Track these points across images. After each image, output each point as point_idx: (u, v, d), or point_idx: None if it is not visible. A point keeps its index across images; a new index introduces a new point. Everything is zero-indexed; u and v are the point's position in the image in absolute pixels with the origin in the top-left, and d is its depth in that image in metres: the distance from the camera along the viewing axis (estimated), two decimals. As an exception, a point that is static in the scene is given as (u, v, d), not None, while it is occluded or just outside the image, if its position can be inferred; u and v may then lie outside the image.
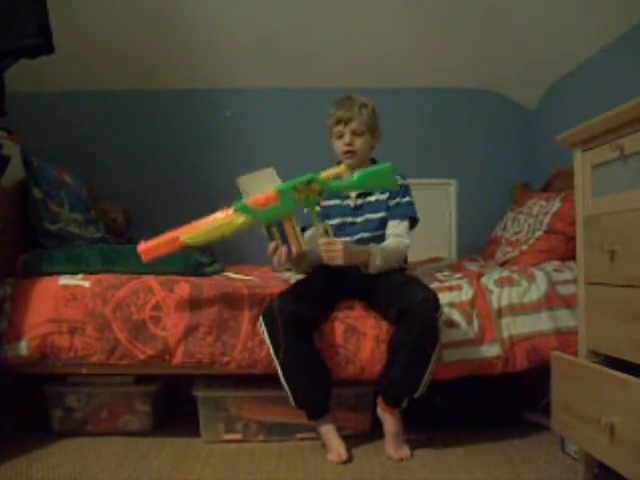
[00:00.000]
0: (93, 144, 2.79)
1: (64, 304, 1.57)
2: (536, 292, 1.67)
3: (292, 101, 2.89)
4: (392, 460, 1.47)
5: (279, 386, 1.49)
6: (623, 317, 1.15)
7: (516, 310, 1.64)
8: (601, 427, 1.09)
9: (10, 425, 1.66)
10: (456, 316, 1.62)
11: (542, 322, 1.63)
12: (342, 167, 1.53)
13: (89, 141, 2.79)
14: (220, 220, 1.43)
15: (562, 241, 1.95)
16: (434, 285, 1.67)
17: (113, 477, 1.37)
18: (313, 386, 1.50)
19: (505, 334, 1.62)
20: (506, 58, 2.59)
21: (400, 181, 1.71)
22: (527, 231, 2.12)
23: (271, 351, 1.48)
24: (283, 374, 1.48)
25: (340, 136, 1.68)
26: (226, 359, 1.56)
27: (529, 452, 1.53)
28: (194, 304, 1.58)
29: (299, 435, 1.63)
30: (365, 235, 1.67)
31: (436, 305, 1.45)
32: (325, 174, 1.45)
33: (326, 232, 1.50)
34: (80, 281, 1.61)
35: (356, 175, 1.47)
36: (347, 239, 1.63)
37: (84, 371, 1.60)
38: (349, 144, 1.65)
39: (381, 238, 1.66)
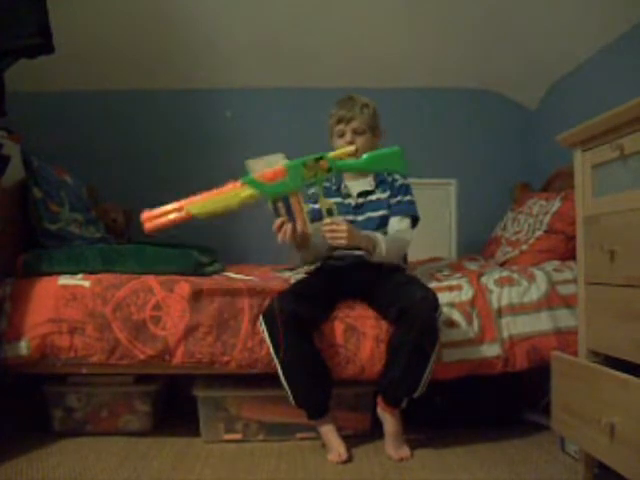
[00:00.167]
0: (93, 144, 2.79)
1: (64, 304, 1.57)
2: (536, 292, 1.67)
3: (292, 101, 2.89)
4: (392, 460, 1.47)
5: (279, 386, 1.49)
6: (623, 317, 1.15)
7: (516, 310, 1.64)
8: (601, 427, 1.09)
9: (10, 425, 1.66)
10: (456, 316, 1.62)
11: (542, 322, 1.63)
12: (352, 148, 1.50)
13: (89, 141, 2.79)
14: (227, 193, 1.42)
15: (562, 241, 1.95)
16: (434, 285, 1.67)
17: (113, 477, 1.37)
18: (313, 386, 1.50)
19: (505, 334, 1.62)
20: (506, 58, 2.59)
21: (401, 181, 1.71)
22: (527, 231, 2.12)
23: (271, 350, 1.48)
24: (283, 374, 1.48)
25: (341, 135, 1.69)
26: (226, 359, 1.56)
27: (529, 452, 1.53)
28: (194, 304, 1.58)
29: (299, 435, 1.63)
30: (366, 233, 1.67)
31: (435, 305, 1.45)
32: (334, 153, 1.46)
33: (330, 212, 1.49)
34: (80, 281, 1.61)
35: (365, 156, 1.46)
36: None
37: (84, 371, 1.60)
38: (350, 143, 1.65)
39: (382, 237, 1.67)
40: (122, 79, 2.74)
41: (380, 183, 1.73)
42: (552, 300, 1.66)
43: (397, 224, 1.66)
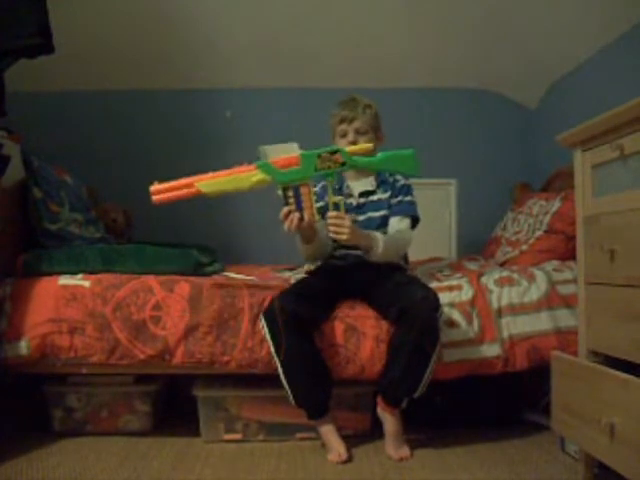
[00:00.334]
0: (93, 144, 2.79)
1: (64, 304, 1.57)
2: (536, 292, 1.67)
3: (292, 101, 2.89)
4: (392, 460, 1.47)
5: (279, 386, 1.49)
6: (623, 317, 1.15)
7: (516, 310, 1.64)
8: (601, 427, 1.09)
9: (10, 425, 1.66)
10: (456, 316, 1.62)
11: (542, 322, 1.63)
12: (370, 145, 1.51)
13: (89, 141, 2.79)
14: (239, 174, 1.42)
15: (562, 241, 1.95)
16: (434, 285, 1.67)
17: (113, 477, 1.37)
18: (313, 385, 1.50)
19: (505, 334, 1.62)
20: (506, 58, 2.59)
21: (402, 181, 1.72)
22: (527, 231, 2.12)
23: (272, 350, 1.48)
24: (283, 373, 1.48)
25: (344, 135, 1.69)
26: (226, 359, 1.56)
27: (529, 452, 1.53)
28: (194, 304, 1.58)
29: (299, 435, 1.63)
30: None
31: (436, 305, 1.45)
32: (351, 148, 1.48)
33: (337, 207, 1.49)
34: (80, 281, 1.61)
35: (380, 155, 1.48)
36: None
37: (84, 371, 1.60)
38: (353, 143, 1.65)
39: (383, 236, 1.67)
40: (122, 79, 2.74)
41: (381, 183, 1.73)
42: (552, 300, 1.66)
43: (397, 224, 1.66)
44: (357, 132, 1.67)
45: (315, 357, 1.51)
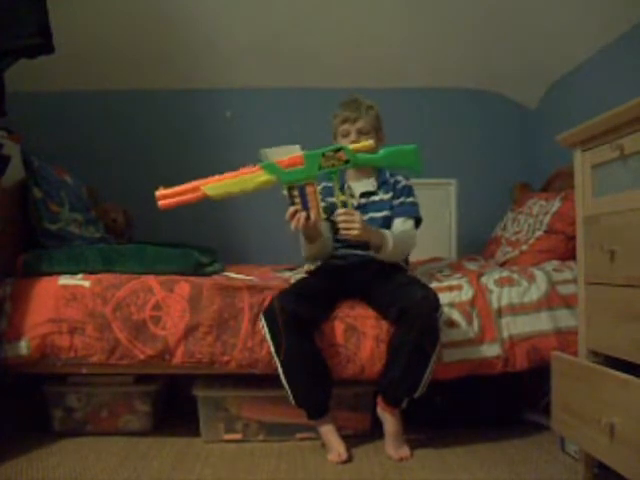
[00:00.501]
0: (93, 144, 2.79)
1: (64, 304, 1.57)
2: (536, 292, 1.67)
3: (292, 101, 2.89)
4: (392, 460, 1.47)
5: (279, 386, 1.49)
6: (623, 317, 1.15)
7: (516, 310, 1.64)
8: (601, 427, 1.09)
9: (10, 425, 1.66)
10: (456, 316, 1.62)
11: (542, 322, 1.63)
12: (371, 142, 1.51)
13: (89, 141, 2.79)
14: (244, 176, 1.42)
15: (562, 241, 1.95)
16: (434, 285, 1.67)
17: (113, 477, 1.37)
18: (313, 385, 1.50)
19: (505, 334, 1.62)
20: (506, 58, 2.59)
21: (404, 182, 1.72)
22: (527, 231, 2.12)
23: (272, 350, 1.48)
24: (283, 373, 1.48)
25: (346, 134, 1.69)
26: (226, 359, 1.56)
27: (529, 452, 1.53)
28: (194, 304, 1.58)
29: (299, 435, 1.63)
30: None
31: (436, 305, 1.45)
32: (354, 146, 1.48)
33: (345, 205, 1.50)
34: (80, 281, 1.61)
35: (382, 151, 1.48)
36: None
37: (84, 371, 1.60)
38: (355, 142, 1.64)
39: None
40: (122, 79, 2.74)
41: (382, 184, 1.73)
42: (552, 300, 1.66)
43: (401, 225, 1.67)
44: (360, 132, 1.67)
45: (315, 357, 1.51)
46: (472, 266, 2.12)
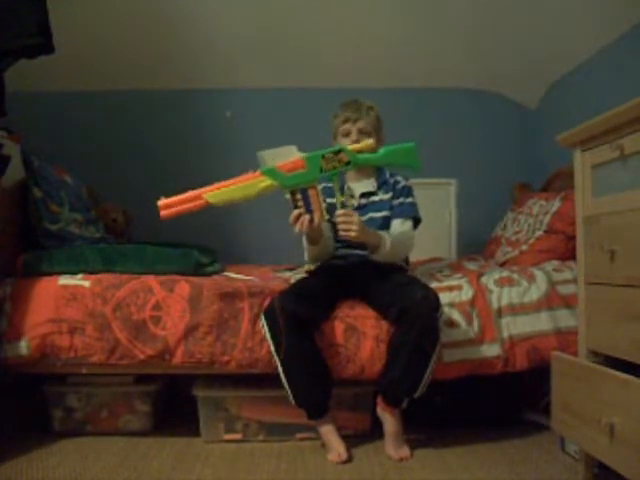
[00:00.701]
0: (93, 144, 2.79)
1: (64, 304, 1.57)
2: (536, 292, 1.67)
3: (292, 101, 2.89)
4: (392, 460, 1.47)
5: (279, 386, 1.49)
6: (623, 317, 1.15)
7: (516, 310, 1.64)
8: (601, 427, 1.09)
9: (10, 425, 1.66)
10: (456, 316, 1.62)
11: (542, 322, 1.63)
12: (370, 142, 1.52)
13: (89, 141, 2.79)
14: (246, 182, 1.42)
15: (562, 241, 1.95)
16: (434, 285, 1.67)
17: (113, 477, 1.37)
18: (313, 385, 1.50)
19: (505, 334, 1.62)
20: (506, 58, 2.59)
21: (403, 182, 1.72)
22: (527, 231, 2.12)
23: (272, 350, 1.48)
24: (283, 373, 1.48)
25: (347, 134, 1.70)
26: (226, 359, 1.56)
27: (529, 452, 1.53)
28: (194, 304, 1.58)
29: (299, 435, 1.63)
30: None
31: (436, 305, 1.45)
32: (354, 147, 1.49)
33: (344, 205, 1.51)
34: (80, 281, 1.61)
35: (382, 150, 1.50)
36: None
37: (84, 371, 1.60)
38: (356, 142, 1.65)
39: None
40: (122, 79, 2.74)
41: (382, 184, 1.73)
42: (552, 300, 1.66)
43: (400, 226, 1.67)
44: (360, 132, 1.68)
45: (315, 357, 1.51)
46: (472, 266, 2.12)
